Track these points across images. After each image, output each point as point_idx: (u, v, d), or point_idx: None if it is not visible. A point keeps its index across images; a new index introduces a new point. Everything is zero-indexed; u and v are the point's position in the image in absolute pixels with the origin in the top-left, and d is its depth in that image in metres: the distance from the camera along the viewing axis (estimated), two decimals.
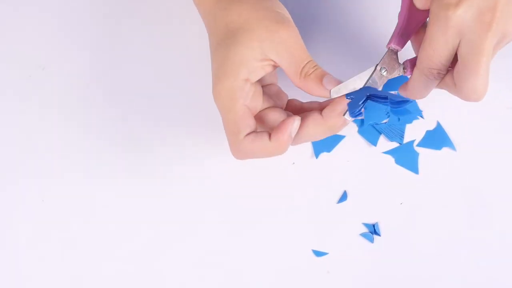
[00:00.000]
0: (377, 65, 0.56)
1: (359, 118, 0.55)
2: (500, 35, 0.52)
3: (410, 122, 0.65)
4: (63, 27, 0.70)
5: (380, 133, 0.65)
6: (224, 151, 0.63)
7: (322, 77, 0.55)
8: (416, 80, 0.55)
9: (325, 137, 0.58)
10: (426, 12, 0.55)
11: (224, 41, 0.56)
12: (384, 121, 0.64)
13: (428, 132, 0.65)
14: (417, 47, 0.58)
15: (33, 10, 0.70)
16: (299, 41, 0.56)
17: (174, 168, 0.64)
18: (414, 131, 0.65)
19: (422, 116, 0.65)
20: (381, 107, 0.56)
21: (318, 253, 0.61)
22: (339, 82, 0.55)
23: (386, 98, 0.54)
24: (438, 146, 0.64)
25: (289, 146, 0.56)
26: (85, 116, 0.66)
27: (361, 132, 0.65)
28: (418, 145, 0.64)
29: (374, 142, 0.64)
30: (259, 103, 0.57)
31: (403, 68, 0.57)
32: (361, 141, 0.65)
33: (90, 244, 0.62)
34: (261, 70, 0.56)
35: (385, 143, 0.65)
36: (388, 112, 0.57)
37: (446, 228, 0.62)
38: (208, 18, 0.59)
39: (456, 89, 0.54)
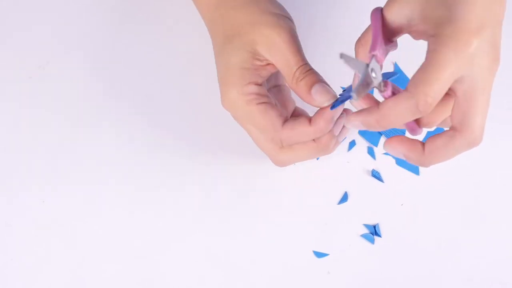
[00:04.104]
0: (367, 65, 0.49)
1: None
2: None
3: None
4: (63, 27, 0.70)
5: (381, 134, 0.65)
6: (225, 151, 0.63)
7: (312, 84, 0.54)
8: (399, 105, 0.47)
9: (315, 156, 0.57)
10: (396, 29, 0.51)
11: (223, 48, 0.57)
12: None
13: (429, 133, 0.65)
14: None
15: (33, 11, 0.70)
16: (292, 43, 0.55)
17: (175, 169, 0.64)
18: None
19: None
20: None
21: (318, 254, 0.61)
22: (329, 91, 0.54)
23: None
24: None
25: (333, 138, 0.55)
26: (86, 116, 0.66)
27: (361, 133, 0.65)
28: None
29: (375, 143, 0.64)
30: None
31: (383, 86, 0.49)
32: (362, 142, 0.65)
33: (90, 244, 0.62)
34: (264, 70, 0.56)
35: None
36: None
37: (446, 229, 0.62)
38: (209, 25, 0.60)
39: (456, 135, 0.47)
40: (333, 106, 0.54)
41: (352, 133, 0.65)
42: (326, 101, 0.54)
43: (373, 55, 0.50)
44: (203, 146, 0.64)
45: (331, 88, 0.55)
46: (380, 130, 0.50)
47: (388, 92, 0.49)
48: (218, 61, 0.57)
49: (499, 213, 0.62)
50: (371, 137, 0.65)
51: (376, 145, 0.64)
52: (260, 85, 0.56)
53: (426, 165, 0.50)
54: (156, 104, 0.66)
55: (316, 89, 0.54)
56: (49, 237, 0.62)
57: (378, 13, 0.51)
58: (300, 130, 0.55)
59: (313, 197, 0.63)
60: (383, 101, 0.49)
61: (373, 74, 0.48)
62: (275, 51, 0.55)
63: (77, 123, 0.66)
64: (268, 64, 0.56)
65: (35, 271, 0.61)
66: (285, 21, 0.56)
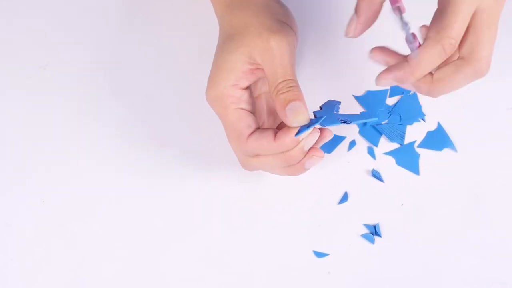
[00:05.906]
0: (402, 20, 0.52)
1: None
2: None
3: (411, 123, 0.65)
4: (63, 27, 0.70)
5: (381, 134, 0.65)
6: (226, 152, 0.63)
7: (290, 101, 0.53)
8: (428, 54, 0.50)
9: (282, 167, 0.56)
10: None
11: (223, 45, 0.57)
12: (384, 122, 0.65)
13: (429, 133, 0.65)
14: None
15: (33, 11, 0.70)
16: (287, 55, 0.55)
17: (175, 168, 0.64)
18: (415, 132, 0.65)
19: (424, 120, 0.65)
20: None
21: (319, 254, 0.61)
22: (303, 113, 0.53)
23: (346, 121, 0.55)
24: (439, 147, 0.64)
25: (301, 153, 0.54)
26: (85, 116, 0.66)
27: (362, 133, 0.65)
28: (419, 146, 0.64)
29: (375, 143, 0.64)
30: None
31: (412, 38, 0.51)
32: (362, 141, 0.65)
33: (90, 244, 0.62)
34: (250, 75, 0.56)
35: (386, 144, 0.65)
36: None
37: (446, 229, 0.62)
38: (219, 21, 0.60)
39: (464, 64, 0.51)
40: (298, 132, 0.53)
41: (352, 133, 0.65)
42: (296, 122, 0.53)
43: (397, 7, 0.52)
44: (203, 146, 0.64)
45: (307, 111, 0.54)
46: (412, 81, 0.52)
47: (416, 43, 0.52)
48: (215, 56, 0.57)
49: (499, 213, 0.62)
50: (371, 137, 0.65)
51: (376, 145, 0.64)
52: (245, 89, 0.56)
53: (435, 94, 0.54)
54: (156, 104, 0.66)
55: (291, 106, 0.53)
56: (49, 237, 0.62)
57: None
58: (263, 142, 0.54)
59: (313, 197, 0.63)
60: (410, 54, 0.51)
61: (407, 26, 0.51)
62: (267, 58, 0.54)
63: (77, 123, 0.66)
64: (258, 68, 0.56)
65: (35, 271, 0.61)
66: (287, 31, 0.56)
